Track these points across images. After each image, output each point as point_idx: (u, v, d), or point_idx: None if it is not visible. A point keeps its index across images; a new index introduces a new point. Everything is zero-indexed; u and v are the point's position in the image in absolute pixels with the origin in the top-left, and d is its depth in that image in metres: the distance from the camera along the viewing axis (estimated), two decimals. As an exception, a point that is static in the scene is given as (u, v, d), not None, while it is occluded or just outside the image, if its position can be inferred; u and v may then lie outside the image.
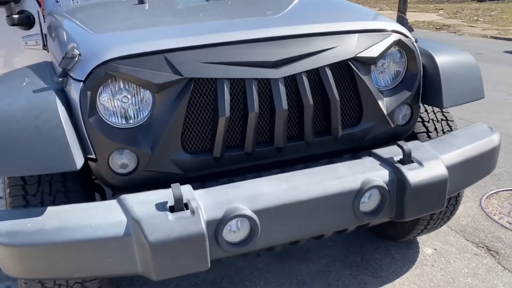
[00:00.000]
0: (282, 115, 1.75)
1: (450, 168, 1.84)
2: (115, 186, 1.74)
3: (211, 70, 1.67)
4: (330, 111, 1.84)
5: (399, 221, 1.94)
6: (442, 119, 2.35)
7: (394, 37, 1.95)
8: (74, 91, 1.62)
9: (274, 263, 2.58)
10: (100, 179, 1.74)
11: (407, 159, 1.79)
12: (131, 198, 1.58)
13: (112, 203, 1.59)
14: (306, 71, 1.77)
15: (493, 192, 3.34)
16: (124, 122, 1.69)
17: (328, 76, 1.80)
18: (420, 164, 1.78)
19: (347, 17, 2.04)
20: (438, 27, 15.82)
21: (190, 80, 1.65)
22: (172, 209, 1.53)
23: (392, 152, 1.85)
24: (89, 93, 1.60)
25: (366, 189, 1.70)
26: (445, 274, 2.45)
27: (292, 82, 1.78)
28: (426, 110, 2.33)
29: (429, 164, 1.79)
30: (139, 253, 1.50)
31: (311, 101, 1.77)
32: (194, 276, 2.50)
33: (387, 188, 1.74)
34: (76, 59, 1.65)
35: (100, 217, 1.52)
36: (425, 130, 2.30)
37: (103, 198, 2.03)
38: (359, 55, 1.85)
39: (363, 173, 1.76)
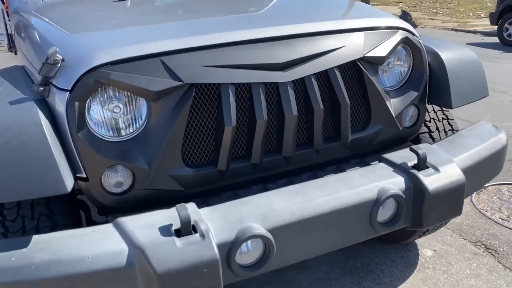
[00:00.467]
0: (292, 122, 1.60)
1: (465, 171, 1.75)
2: (109, 207, 1.55)
3: (214, 75, 1.50)
4: (340, 115, 1.71)
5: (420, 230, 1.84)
6: (443, 118, 2.27)
7: (401, 34, 1.84)
8: (59, 102, 1.42)
9: (272, 274, 2.44)
10: (91, 200, 1.54)
11: (423, 164, 1.68)
12: (130, 222, 1.40)
13: (109, 228, 1.40)
14: (315, 73, 1.64)
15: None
16: (116, 135, 1.50)
17: (338, 78, 1.67)
18: (436, 169, 1.68)
19: (352, 14, 1.91)
20: (400, 20, 16.02)
21: (191, 86, 1.48)
22: (178, 233, 1.36)
23: (404, 156, 1.75)
24: (77, 104, 1.40)
25: (383, 199, 1.59)
26: (448, 277, 2.39)
27: (300, 85, 1.64)
28: (427, 110, 2.24)
29: (445, 169, 1.69)
30: (145, 285, 1.32)
31: (321, 106, 1.64)
32: None
33: (404, 197, 1.63)
34: (59, 65, 1.45)
35: (97, 246, 1.33)
36: (427, 130, 2.22)
37: (88, 216, 1.82)
38: (367, 54, 1.73)
39: (378, 181, 1.64)
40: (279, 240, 1.47)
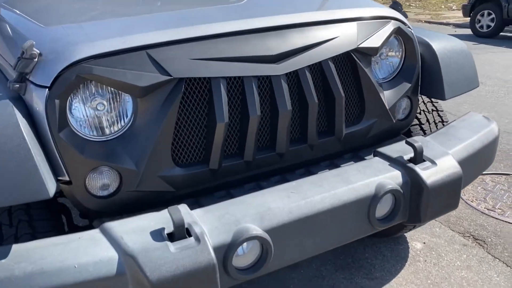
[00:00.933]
0: (286, 117, 1.53)
1: (461, 163, 1.72)
2: (93, 211, 1.45)
3: (205, 68, 1.42)
4: (335, 109, 1.65)
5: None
6: (433, 110, 2.24)
7: (393, 24, 1.79)
8: (38, 100, 1.31)
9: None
10: (75, 204, 1.44)
11: (419, 157, 1.64)
12: (119, 227, 1.31)
13: (96, 234, 1.31)
14: (309, 66, 1.57)
15: (465, 178, 3.33)
16: (100, 134, 1.40)
17: (332, 70, 1.61)
18: (433, 162, 1.64)
19: (343, 4, 1.85)
20: (375, 12, 16.15)
21: (181, 80, 1.39)
22: (171, 237, 1.28)
23: (399, 150, 1.70)
24: (57, 101, 1.30)
25: (381, 194, 1.54)
26: (440, 269, 2.37)
27: (293, 78, 1.58)
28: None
29: (442, 162, 1.65)
30: (137, 294, 1.24)
31: (316, 99, 1.58)
32: None
33: (401, 191, 1.58)
34: (36, 60, 1.34)
35: (83, 254, 1.24)
36: (418, 123, 2.18)
37: (69, 220, 1.72)
38: (361, 45, 1.68)
39: (375, 176, 1.59)
40: (277, 240, 1.40)
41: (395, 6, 1.92)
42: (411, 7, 19.66)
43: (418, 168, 1.61)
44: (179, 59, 1.40)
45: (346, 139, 1.76)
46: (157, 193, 1.48)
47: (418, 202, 1.61)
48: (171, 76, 1.37)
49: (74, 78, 1.30)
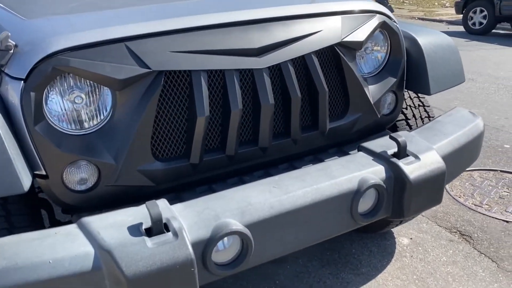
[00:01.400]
0: (268, 111, 1.52)
1: (445, 158, 1.71)
2: (71, 206, 1.43)
3: (185, 61, 1.40)
4: (318, 103, 1.63)
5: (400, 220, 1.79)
6: (419, 105, 2.23)
7: (378, 18, 1.78)
8: (13, 92, 1.29)
9: (248, 269, 2.37)
10: (52, 199, 1.42)
11: (403, 152, 1.63)
12: (96, 222, 1.29)
13: (72, 229, 1.28)
14: (292, 59, 1.55)
15: (454, 173, 3.34)
16: (79, 127, 1.38)
17: (315, 64, 1.59)
18: (416, 157, 1.64)
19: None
20: (369, 9, 16.15)
21: (160, 73, 1.37)
22: (149, 233, 1.26)
23: (383, 145, 1.69)
24: (33, 94, 1.27)
25: (364, 189, 1.53)
26: (425, 265, 2.37)
27: (276, 72, 1.56)
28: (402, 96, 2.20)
29: (426, 157, 1.64)
30: (114, 290, 1.22)
31: (299, 93, 1.56)
32: None
33: (384, 186, 1.57)
34: (12, 51, 1.31)
35: (59, 249, 1.22)
36: (404, 118, 2.18)
37: (51, 216, 1.70)
38: (345, 39, 1.66)
39: (359, 171, 1.58)
40: (258, 235, 1.39)
41: (381, 0, 1.91)
42: (405, 4, 19.69)
43: (401, 163, 1.60)
44: (158, 52, 1.38)
45: (330, 133, 1.75)
46: (136, 187, 1.46)
47: (401, 197, 1.60)
48: (150, 68, 1.35)
49: (50, 70, 1.28)
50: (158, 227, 1.26)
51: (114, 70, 1.32)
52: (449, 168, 1.74)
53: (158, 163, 1.46)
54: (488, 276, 2.28)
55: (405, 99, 2.21)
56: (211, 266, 1.33)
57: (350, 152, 1.80)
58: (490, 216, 2.79)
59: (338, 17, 1.69)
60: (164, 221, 1.28)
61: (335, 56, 1.67)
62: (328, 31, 1.64)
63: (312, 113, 1.69)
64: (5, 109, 1.30)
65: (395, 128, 2.16)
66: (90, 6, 1.65)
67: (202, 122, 1.42)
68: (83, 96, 1.37)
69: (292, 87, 1.55)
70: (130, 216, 1.31)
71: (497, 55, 7.94)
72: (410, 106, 2.21)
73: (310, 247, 2.48)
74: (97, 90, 1.37)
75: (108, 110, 1.40)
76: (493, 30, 10.67)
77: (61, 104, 1.35)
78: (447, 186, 3.16)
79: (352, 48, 1.69)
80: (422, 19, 14.64)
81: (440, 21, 14.00)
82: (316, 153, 1.80)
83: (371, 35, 1.74)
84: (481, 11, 10.41)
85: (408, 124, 2.17)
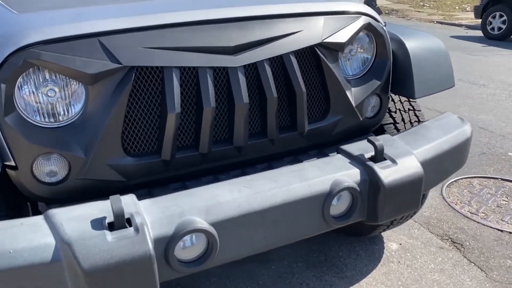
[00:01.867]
0: (243, 110, 1.51)
1: (424, 164, 1.68)
2: (43, 198, 1.45)
3: (157, 57, 1.40)
4: (296, 104, 1.62)
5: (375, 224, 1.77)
6: (409, 109, 2.20)
7: (363, 20, 1.75)
8: (-16, 83, 1.31)
9: (232, 267, 2.37)
10: (23, 190, 1.43)
11: (379, 156, 1.61)
12: (61, 214, 1.30)
13: (38, 220, 1.30)
14: (269, 59, 1.55)
15: (452, 180, 3.29)
16: (51, 120, 1.40)
17: (293, 64, 1.58)
18: (394, 161, 1.61)
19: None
20: (387, 11, 16.05)
21: (131, 69, 1.38)
22: (111, 227, 1.27)
23: (362, 148, 1.67)
24: (3, 86, 1.29)
25: (336, 191, 1.51)
26: (412, 271, 2.34)
27: (252, 71, 1.55)
28: (393, 100, 2.17)
29: (403, 161, 1.62)
30: (72, 282, 1.23)
31: (275, 93, 1.55)
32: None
33: (358, 189, 1.55)
34: (-14, 43, 1.33)
35: (21, 239, 1.23)
36: (392, 121, 2.15)
37: (34, 207, 1.72)
38: (326, 40, 1.64)
39: (333, 173, 1.56)
40: (224, 234, 1.39)
41: (369, 2, 1.89)
42: (425, 7, 19.41)
43: (376, 167, 1.58)
44: (130, 47, 1.38)
45: (310, 135, 1.74)
46: (107, 182, 1.47)
47: (375, 201, 1.58)
48: (121, 64, 1.36)
49: (21, 63, 1.30)
50: (120, 222, 1.26)
51: (85, 64, 1.34)
52: (428, 173, 1.71)
53: (129, 158, 1.47)
54: (476, 286, 2.23)
55: (395, 103, 2.18)
56: (174, 262, 1.34)
57: (330, 154, 1.78)
58: (484, 225, 2.74)
59: (321, 18, 1.67)
60: (127, 216, 1.29)
61: (315, 57, 1.65)
62: (309, 32, 1.62)
63: (290, 113, 1.67)
64: (-23, 100, 1.32)
65: (382, 132, 2.13)
66: (70, 0, 1.67)
67: (172, 119, 1.43)
68: (56, 89, 1.38)
69: (268, 86, 1.54)
70: (95, 210, 1.32)
71: (513, 61, 7.77)
72: (399, 109, 2.17)
73: (297, 248, 2.49)
74: (69, 84, 1.39)
75: (80, 104, 1.41)
76: (512, 36, 10.45)
77: (33, 97, 1.36)
78: (443, 193, 3.11)
79: (333, 49, 1.68)
80: (441, 23, 14.41)
81: (459, 25, 13.77)
82: (296, 154, 1.79)
83: (354, 37, 1.72)
84: (501, 16, 10.20)
85: (396, 128, 2.14)
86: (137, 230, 1.26)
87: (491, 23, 10.43)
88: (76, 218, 1.29)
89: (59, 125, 1.40)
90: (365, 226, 2.41)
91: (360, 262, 2.42)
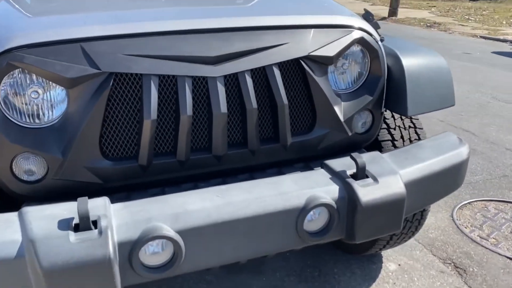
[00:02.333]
0: (220, 119, 1.52)
1: (409, 184, 1.63)
2: (22, 196, 1.50)
3: (136, 64, 1.43)
4: (277, 116, 1.61)
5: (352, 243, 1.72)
6: (410, 127, 2.14)
7: (356, 34, 1.73)
8: (-30, 83, 1.38)
9: (223, 277, 2.37)
10: (2, 187, 1.49)
11: (361, 173, 1.57)
12: (33, 212, 1.34)
13: (11, 217, 1.35)
14: (250, 70, 1.55)
15: (466, 202, 3.16)
16: (33, 121, 1.45)
17: (276, 76, 1.57)
18: (375, 179, 1.57)
19: (304, 10, 1.81)
20: (428, 24, 15.66)
21: (110, 74, 1.42)
22: (77, 228, 1.30)
23: (346, 164, 1.63)
24: (-13, 86, 1.36)
25: (311, 207, 1.49)
26: (407, 294, 2.26)
27: (233, 81, 1.56)
28: (393, 116, 2.12)
29: (385, 181, 1.57)
30: (34, 279, 1.27)
31: (254, 105, 1.55)
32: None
33: (335, 207, 1.52)
34: (-24, 45, 1.40)
35: (-9, 234, 1.29)
36: (391, 138, 2.09)
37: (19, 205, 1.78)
38: (313, 53, 1.63)
39: (310, 188, 1.54)
40: (191, 243, 1.39)
41: (367, 16, 1.86)
42: (470, 21, 18.82)
43: (356, 184, 1.54)
44: (110, 54, 1.42)
45: (294, 147, 1.72)
46: (84, 183, 1.51)
47: (353, 219, 1.54)
48: (100, 69, 1.40)
49: (5, 64, 1.36)
50: (85, 224, 1.29)
51: (65, 68, 1.38)
52: (414, 195, 1.65)
53: (106, 162, 1.50)
54: (472, 315, 2.13)
55: (395, 119, 2.12)
56: (138, 267, 1.35)
57: (315, 168, 1.75)
58: (493, 251, 2.61)
59: (309, 31, 1.66)
60: (94, 218, 1.32)
61: (301, 70, 1.64)
62: (295, 44, 1.61)
63: (273, 125, 1.66)
64: (-36, 98, 1.39)
65: (380, 149, 2.08)
66: (62, 7, 1.73)
67: (148, 125, 1.45)
68: (39, 91, 1.44)
69: (247, 97, 1.54)
70: (66, 210, 1.36)
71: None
72: (399, 126, 2.12)
73: (292, 261, 2.46)
74: (51, 87, 1.44)
75: (61, 107, 1.46)
76: (559, 54, 9.95)
77: (16, 98, 1.42)
78: (454, 214, 2.99)
79: (321, 62, 1.66)
80: (484, 37, 13.92)
81: (504, 40, 13.24)
82: (280, 167, 1.77)
83: (344, 51, 1.69)
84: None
85: (394, 145, 2.08)
86: (100, 232, 1.28)
87: (537, 39, 9.98)
88: (46, 217, 1.33)
89: (40, 126, 1.45)
90: (362, 243, 2.35)
91: (354, 280, 2.36)
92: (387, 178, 1.59)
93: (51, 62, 1.38)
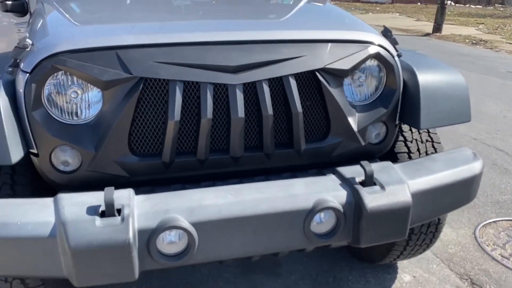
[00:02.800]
0: (238, 123, 1.65)
1: (417, 194, 1.70)
2: (58, 184, 1.68)
3: (164, 71, 1.59)
4: (292, 123, 1.72)
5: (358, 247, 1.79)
6: (427, 140, 2.19)
7: (372, 49, 1.82)
8: (20, 82, 1.57)
9: (241, 275, 2.48)
10: (42, 175, 1.68)
11: (369, 181, 1.66)
12: (67, 198, 1.52)
13: (47, 202, 1.53)
14: (268, 79, 1.67)
15: (491, 220, 3.13)
16: (71, 118, 1.63)
17: (292, 86, 1.69)
18: (382, 187, 1.65)
19: (326, 25, 1.92)
20: (474, 41, 15.29)
21: (141, 79, 1.57)
22: (103, 214, 1.46)
23: (356, 172, 1.72)
24: (34, 85, 1.54)
25: (318, 209, 1.58)
26: (419, 305, 2.29)
27: (252, 89, 1.68)
28: (410, 129, 2.18)
29: (392, 189, 1.65)
30: (63, 257, 1.43)
31: (270, 111, 1.67)
32: (157, 281, 2.43)
33: (342, 211, 1.61)
34: (29, 49, 1.60)
35: (30, 215, 1.46)
36: (407, 151, 2.15)
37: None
38: (328, 66, 1.73)
39: (319, 192, 1.64)
40: (203, 235, 1.52)
41: (385, 32, 1.94)
42: (519, 38, 18.21)
43: (363, 191, 1.63)
44: (142, 61, 1.58)
45: (308, 154, 1.82)
46: (113, 176, 1.67)
47: (359, 224, 1.63)
48: (131, 74, 1.56)
49: (50, 67, 1.54)
50: (110, 211, 1.45)
51: (101, 72, 1.55)
52: (421, 205, 1.72)
53: (133, 157, 1.66)
54: (484, 330, 2.14)
55: (412, 132, 2.18)
56: (155, 254, 1.49)
57: (327, 174, 1.84)
58: (513, 270, 2.59)
59: (326, 45, 1.76)
60: (119, 207, 1.47)
61: (316, 81, 1.74)
62: (311, 57, 1.72)
63: (288, 131, 1.77)
64: (14, 95, 1.59)
65: (396, 160, 2.14)
66: (106, 17, 1.92)
67: (172, 126, 1.59)
68: (78, 92, 1.62)
69: (264, 104, 1.66)
70: (94, 198, 1.52)
71: None
72: (416, 140, 2.17)
73: (308, 265, 2.54)
74: (89, 88, 1.61)
75: (97, 106, 1.63)
76: None
77: (58, 97, 1.60)
78: (476, 232, 2.98)
79: (336, 75, 1.76)
80: (532, 56, 13.45)
81: (553, 60, 12.76)
82: (295, 171, 1.88)
83: (359, 65, 1.79)
84: None
85: (410, 157, 2.14)
86: (122, 219, 1.44)
87: None
88: (77, 203, 1.49)
89: (77, 123, 1.63)
90: (376, 252, 2.41)
91: (368, 288, 2.41)
92: (394, 187, 1.66)
93: (89, 66, 1.55)
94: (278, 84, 1.71)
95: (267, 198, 1.59)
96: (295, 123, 1.72)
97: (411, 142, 2.17)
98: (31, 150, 1.61)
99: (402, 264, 2.61)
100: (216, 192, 1.61)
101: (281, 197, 1.60)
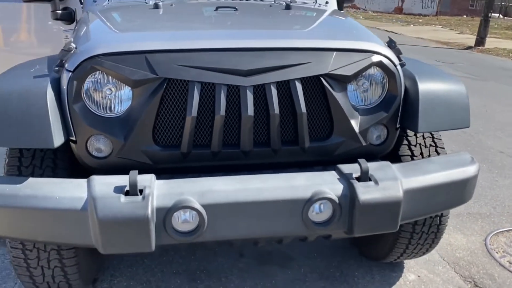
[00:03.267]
0: (248, 120, 1.86)
1: (409, 191, 1.86)
2: (92, 168, 1.95)
3: (185, 72, 1.83)
4: (297, 122, 1.92)
5: (355, 237, 1.96)
6: (431, 145, 2.33)
7: (375, 58, 1.99)
8: (64, 80, 1.85)
9: (254, 265, 2.68)
10: (79, 160, 1.95)
11: (364, 176, 1.83)
12: (98, 179, 1.77)
13: (82, 181, 1.79)
14: (276, 82, 1.88)
15: (504, 229, 3.19)
16: (106, 111, 1.90)
17: (297, 88, 1.89)
18: (376, 183, 1.82)
19: (332, 35, 2.12)
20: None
21: (165, 79, 1.82)
22: (127, 193, 1.71)
23: (354, 169, 1.90)
24: (75, 82, 1.82)
25: (315, 199, 1.77)
26: (420, 302, 2.41)
27: (261, 91, 1.90)
28: (415, 134, 2.33)
29: (385, 184, 1.82)
30: (92, 227, 1.69)
31: (277, 111, 1.88)
32: (177, 265, 2.66)
33: (337, 202, 1.79)
34: (73, 52, 1.89)
35: (67, 191, 1.73)
36: (410, 154, 2.30)
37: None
38: (332, 72, 1.92)
39: (318, 184, 1.82)
40: (212, 216, 1.74)
41: (390, 43, 2.11)
42: None
43: (358, 184, 1.80)
44: (166, 64, 1.83)
45: (312, 151, 2.01)
46: (139, 162, 1.92)
47: (352, 214, 1.80)
48: (157, 75, 1.81)
49: (89, 67, 1.82)
50: (133, 190, 1.70)
51: (132, 73, 1.81)
52: (413, 201, 1.88)
53: (156, 147, 1.91)
54: (480, 328, 2.24)
55: (417, 137, 2.33)
56: (170, 230, 1.72)
57: (328, 170, 2.03)
58: (519, 277, 2.66)
59: (332, 53, 1.96)
60: (141, 187, 1.72)
61: (321, 85, 1.94)
62: (317, 63, 1.92)
63: (294, 130, 1.97)
64: (59, 91, 1.87)
65: (398, 161, 2.29)
66: (139, 25, 2.19)
67: (190, 121, 1.83)
68: (112, 89, 1.88)
69: (271, 104, 1.87)
70: (121, 180, 1.77)
71: None
72: (420, 144, 2.32)
73: (318, 260, 2.71)
74: (121, 86, 1.88)
75: (127, 102, 1.89)
76: None
77: (95, 93, 1.87)
78: (487, 239, 3.05)
79: (340, 80, 1.95)
80: None
81: None
82: (301, 167, 2.07)
83: (361, 72, 1.97)
84: None
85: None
86: (143, 198, 1.68)
87: None
88: (106, 184, 1.75)
89: (110, 116, 1.89)
90: (379, 249, 2.55)
91: (372, 284, 2.55)
92: (387, 183, 1.83)
93: (122, 67, 1.81)
94: (285, 87, 1.91)
95: (269, 187, 1.80)
96: (299, 122, 1.92)
97: (415, 146, 2.32)
98: (70, 138, 1.89)
99: (408, 264, 2.73)
100: (225, 180, 1.83)
101: (282, 187, 1.80)
